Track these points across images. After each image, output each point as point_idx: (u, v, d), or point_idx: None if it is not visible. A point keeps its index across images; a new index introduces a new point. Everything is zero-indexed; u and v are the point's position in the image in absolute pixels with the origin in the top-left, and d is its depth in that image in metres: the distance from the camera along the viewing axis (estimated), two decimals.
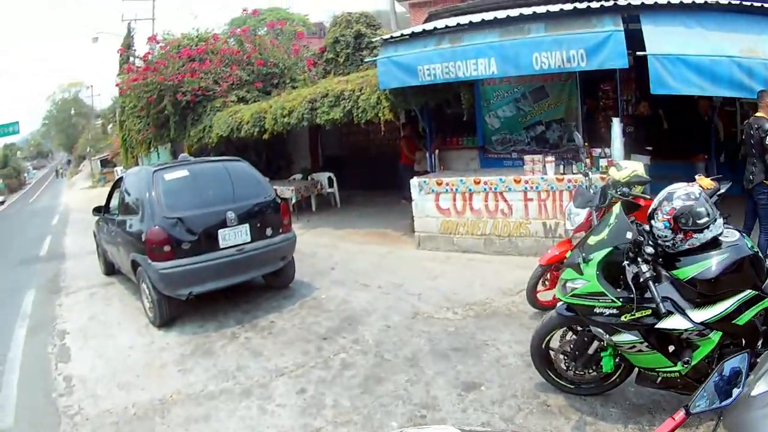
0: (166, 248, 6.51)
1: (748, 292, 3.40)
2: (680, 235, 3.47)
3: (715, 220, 3.46)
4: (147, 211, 6.76)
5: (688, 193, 3.50)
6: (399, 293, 7.37)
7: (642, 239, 3.54)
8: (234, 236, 6.93)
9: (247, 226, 7.05)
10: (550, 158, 8.38)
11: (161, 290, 6.68)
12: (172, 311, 6.98)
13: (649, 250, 3.48)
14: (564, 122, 10.92)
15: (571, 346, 4.16)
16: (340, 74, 13.42)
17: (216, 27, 19.04)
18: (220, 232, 6.83)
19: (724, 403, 1.50)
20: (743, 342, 3.56)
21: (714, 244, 3.49)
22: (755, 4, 6.79)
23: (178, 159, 8.28)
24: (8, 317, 8.29)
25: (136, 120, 16.88)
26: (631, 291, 3.42)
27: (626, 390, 4.23)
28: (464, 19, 8.36)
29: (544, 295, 6.00)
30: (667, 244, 3.55)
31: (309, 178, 15.01)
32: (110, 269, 9.78)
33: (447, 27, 8.42)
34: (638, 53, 6.70)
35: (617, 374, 4.06)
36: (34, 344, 6.99)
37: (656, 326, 3.45)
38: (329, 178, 14.56)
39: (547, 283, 6.00)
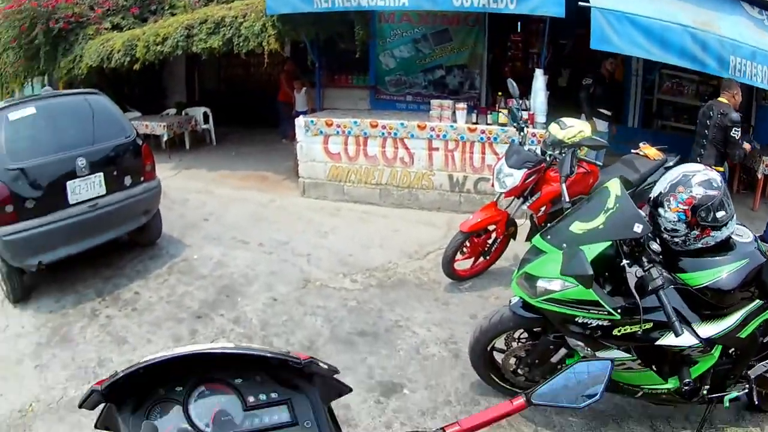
0: (9, 208, 5.19)
1: (756, 302, 2.80)
2: (696, 232, 2.70)
3: (733, 217, 2.73)
4: None
5: (710, 179, 2.71)
6: (284, 253, 6.32)
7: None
8: (86, 188, 5.62)
9: (101, 175, 5.73)
10: (461, 105, 7.51)
11: (8, 261, 5.40)
12: (27, 283, 5.73)
13: (656, 247, 2.68)
14: (467, 69, 10.02)
15: (528, 350, 3.32)
16: (223, 3, 12.06)
17: None
18: (69, 184, 5.49)
19: (569, 405, 1.25)
20: (736, 354, 2.94)
21: (726, 244, 2.79)
22: None
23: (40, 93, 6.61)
24: None
25: (10, 52, 14.79)
26: (629, 299, 2.66)
27: None
28: None
29: (461, 264, 5.28)
30: (676, 240, 2.77)
31: (183, 113, 13.40)
32: None
33: None
34: (581, 3, 5.94)
35: None
36: None
37: (657, 343, 2.71)
38: (205, 114, 13.08)
39: (465, 251, 5.21)
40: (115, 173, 5.90)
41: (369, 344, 4.36)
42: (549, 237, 3.04)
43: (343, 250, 6.30)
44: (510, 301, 3.21)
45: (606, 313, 2.69)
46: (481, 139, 7.20)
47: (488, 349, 3.37)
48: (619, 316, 2.68)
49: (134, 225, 6.22)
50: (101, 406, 1.31)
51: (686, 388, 2.80)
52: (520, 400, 1.17)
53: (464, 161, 7.39)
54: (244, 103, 14.06)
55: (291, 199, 8.49)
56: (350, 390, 1.48)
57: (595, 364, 1.34)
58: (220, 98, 14.32)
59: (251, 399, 1.33)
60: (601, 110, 7.73)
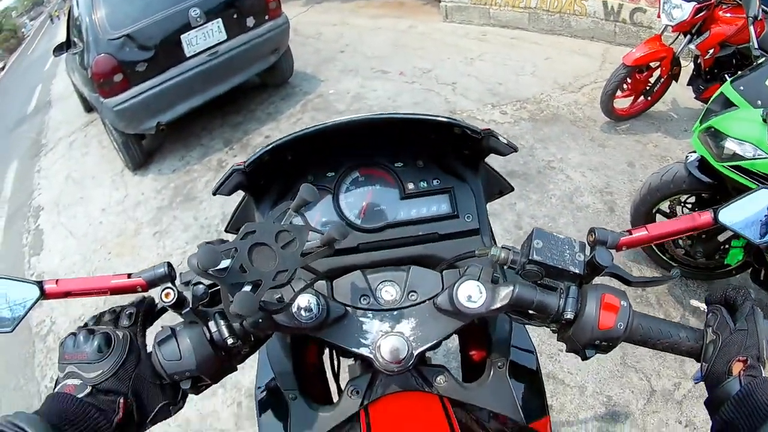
0: (118, 77, 5.21)
1: None
2: None
3: None
4: (89, 37, 5.27)
5: None
6: (428, 82, 6.03)
7: None
8: (204, 38, 5.55)
9: (219, 21, 5.60)
10: None
11: (123, 130, 5.55)
12: (147, 147, 6.01)
13: None
14: None
15: None
16: None
17: None
18: (184, 37, 5.43)
19: (749, 237, 0.98)
20: None
21: None
22: None
23: None
24: None
25: None
26: None
27: (731, 281, 3.16)
28: None
29: (620, 103, 4.83)
30: None
31: None
32: (89, 104, 7.99)
33: None
34: None
35: (735, 267, 2.95)
36: (12, 237, 5.93)
37: None
38: None
39: (626, 87, 4.74)
40: (235, 16, 5.75)
41: (519, 187, 4.10)
42: (742, 88, 2.60)
43: (491, 79, 5.95)
44: (686, 158, 2.81)
45: None
46: None
47: (653, 211, 3.05)
48: None
49: (262, 66, 6.17)
50: (239, 200, 1.21)
51: None
52: (707, 216, 0.97)
53: None
54: None
55: (432, 24, 8.12)
56: (512, 189, 1.30)
57: None
58: None
59: (410, 186, 1.19)
60: None
